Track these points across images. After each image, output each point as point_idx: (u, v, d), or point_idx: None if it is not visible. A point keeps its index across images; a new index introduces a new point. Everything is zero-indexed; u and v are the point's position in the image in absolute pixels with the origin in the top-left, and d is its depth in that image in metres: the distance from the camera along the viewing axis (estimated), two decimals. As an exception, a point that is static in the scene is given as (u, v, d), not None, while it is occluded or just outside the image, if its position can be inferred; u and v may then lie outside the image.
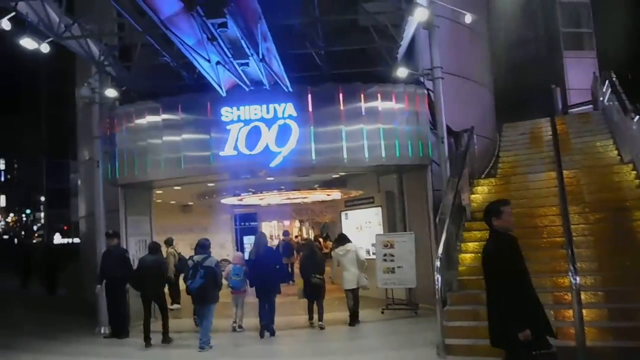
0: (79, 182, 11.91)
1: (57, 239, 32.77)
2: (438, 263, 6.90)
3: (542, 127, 13.87)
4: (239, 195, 14.08)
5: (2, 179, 74.22)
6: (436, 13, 9.76)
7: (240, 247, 22.44)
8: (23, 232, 60.89)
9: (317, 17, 8.21)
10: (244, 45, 6.93)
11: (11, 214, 73.60)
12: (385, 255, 10.40)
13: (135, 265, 8.79)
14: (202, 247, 7.88)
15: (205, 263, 7.52)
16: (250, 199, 15.59)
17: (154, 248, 8.67)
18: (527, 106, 16.50)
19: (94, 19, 8.69)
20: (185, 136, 9.60)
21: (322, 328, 8.99)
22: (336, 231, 23.38)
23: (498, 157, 13.08)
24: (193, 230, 17.83)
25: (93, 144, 9.87)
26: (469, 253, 8.54)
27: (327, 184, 13.17)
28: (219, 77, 8.68)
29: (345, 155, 9.63)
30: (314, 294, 9.18)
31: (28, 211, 72.64)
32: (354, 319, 9.32)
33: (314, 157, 9.50)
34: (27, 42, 6.86)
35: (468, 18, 9.32)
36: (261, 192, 13.39)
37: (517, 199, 9.34)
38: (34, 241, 35.19)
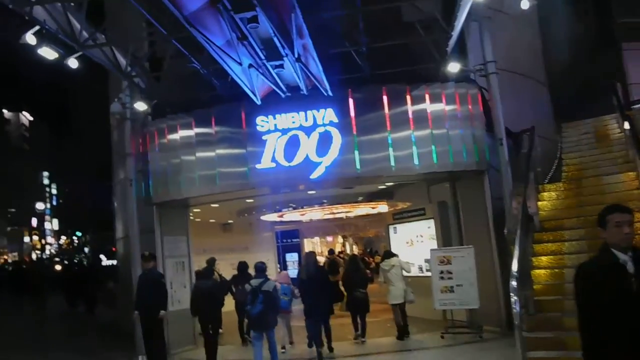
0: (115, 202, 11.47)
1: (103, 260, 33.10)
2: (514, 282, 5.84)
3: (608, 125, 12.55)
4: (279, 211, 13.35)
5: (55, 203, 76.93)
6: (487, 5, 8.84)
7: (282, 265, 21.77)
8: (63, 256, 62.62)
9: (359, 7, 7.39)
10: (278, 44, 6.22)
11: (63, 237, 76.07)
12: (442, 272, 9.37)
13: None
14: (259, 270, 7.67)
15: (264, 287, 7.31)
16: (291, 215, 14.86)
17: (208, 273, 8.80)
18: (585, 104, 15.15)
19: (121, 28, 8.23)
20: (220, 151, 8.97)
21: (363, 342, 9.05)
22: (380, 246, 22.59)
23: (561, 159, 11.86)
24: (234, 249, 17.25)
25: (125, 162, 9.38)
26: (543, 269, 7.43)
27: (373, 196, 12.26)
28: (253, 83, 8.03)
29: (392, 163, 8.74)
30: (357, 308, 9.14)
31: (79, 234, 74.93)
32: (402, 334, 9.18)
33: (358, 166, 8.66)
34: (47, 52, 6.40)
35: (525, 3, 8.30)
36: (302, 207, 12.61)
37: (593, 204, 8.18)
38: (77, 264, 35.85)
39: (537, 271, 7.44)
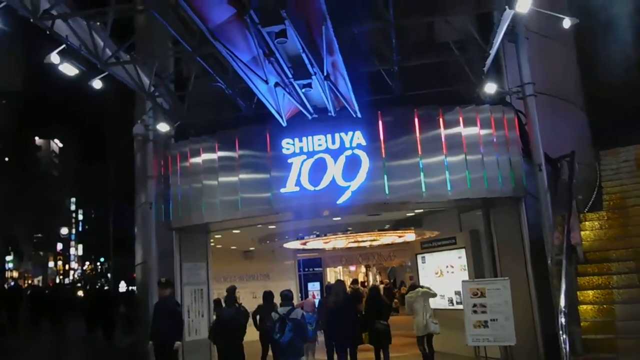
0: (136, 227, 11.24)
1: (122, 286, 32.92)
2: (563, 319, 5.27)
3: (650, 153, 11.93)
4: (302, 238, 12.94)
5: (80, 228, 77.92)
6: (525, 24, 8.51)
7: (304, 294, 21.18)
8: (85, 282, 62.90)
9: (392, 22, 7.08)
10: (307, 60, 5.93)
11: (87, 262, 76.69)
12: (475, 305, 8.75)
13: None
14: (287, 298, 7.52)
15: (291, 315, 7.17)
16: (314, 243, 14.43)
17: (231, 301, 8.49)
18: (622, 130, 14.50)
19: (146, 47, 8.12)
20: (243, 175, 8.67)
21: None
22: (405, 276, 21.79)
23: (600, 187, 11.23)
24: (255, 277, 16.84)
25: (147, 184, 9.16)
26: (590, 304, 6.84)
27: (400, 224, 11.77)
28: (279, 103, 7.75)
29: (423, 189, 8.30)
30: (379, 340, 8.76)
31: (102, 259, 75.46)
32: None
33: (387, 192, 8.24)
34: (67, 68, 6.26)
35: (567, 22, 7.91)
36: (326, 235, 12.17)
37: (641, 235, 7.61)
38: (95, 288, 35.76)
39: (584, 307, 6.84)
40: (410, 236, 13.21)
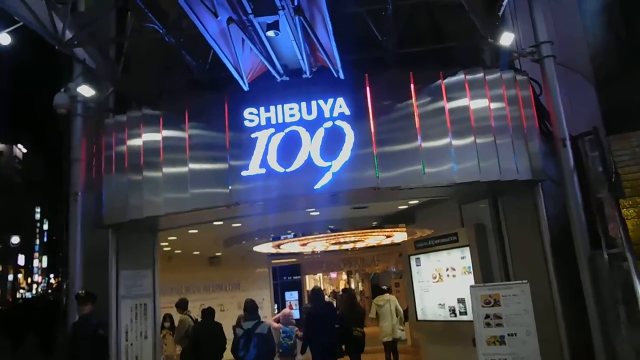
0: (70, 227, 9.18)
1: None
2: None
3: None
4: (276, 239, 11.07)
5: (45, 239, 74.11)
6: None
7: (281, 304, 19.39)
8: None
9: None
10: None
11: (51, 275, 72.90)
12: (487, 317, 7.01)
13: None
14: (251, 311, 7.24)
15: (257, 330, 6.88)
16: (290, 246, 12.58)
17: (210, 313, 8.24)
18: (633, 115, 13.07)
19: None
20: (195, 153, 6.78)
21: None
22: (388, 283, 20.18)
23: (617, 173, 9.69)
24: (223, 287, 14.91)
25: (72, 169, 7.19)
26: None
27: (389, 220, 10.01)
28: (237, 57, 5.92)
29: (423, 171, 6.54)
30: (355, 347, 8.64)
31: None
32: None
33: (378, 172, 6.45)
34: None
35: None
36: (303, 235, 10.34)
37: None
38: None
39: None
40: (399, 236, 11.48)
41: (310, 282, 22.65)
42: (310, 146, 6.51)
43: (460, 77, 6.86)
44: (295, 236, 10.53)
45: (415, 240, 9.60)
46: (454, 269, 8.84)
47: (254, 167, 6.51)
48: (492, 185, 7.45)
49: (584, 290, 6.62)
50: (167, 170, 6.82)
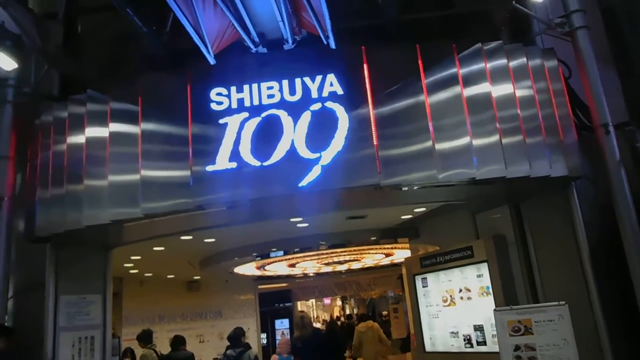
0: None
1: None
2: None
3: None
4: (259, 258, 9.61)
5: None
6: None
7: (271, 334, 17.81)
8: None
9: None
10: None
11: None
12: (517, 349, 5.64)
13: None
14: (236, 339, 6.96)
15: (242, 358, 6.66)
16: (276, 267, 11.11)
17: (179, 341, 7.84)
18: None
19: None
20: (148, 145, 5.39)
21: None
22: (385, 309, 18.66)
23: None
24: (203, 315, 13.36)
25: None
26: None
27: (390, 234, 8.61)
28: (200, 20, 4.62)
29: (437, 165, 5.19)
30: None
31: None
32: None
33: (378, 166, 5.09)
34: None
35: None
36: (288, 253, 8.90)
37: None
38: None
39: None
40: (401, 254, 10.07)
41: (303, 309, 21.11)
42: (294, 134, 5.16)
43: (478, 52, 5.58)
44: (280, 254, 9.08)
45: (421, 257, 8.18)
46: (468, 290, 7.41)
47: (222, 161, 5.13)
48: (513, 188, 6.16)
49: (642, 312, 5.24)
50: (114, 167, 5.41)
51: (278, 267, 11.17)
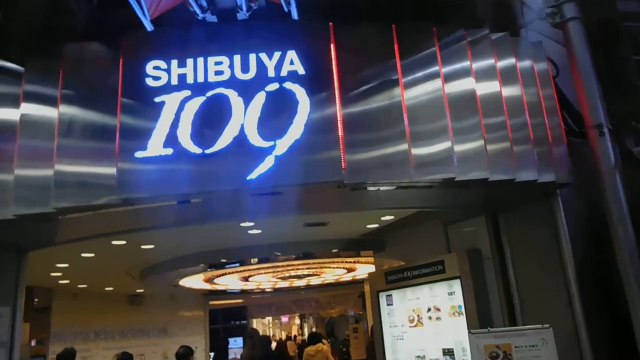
0: None
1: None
2: None
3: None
4: (210, 269, 8.62)
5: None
6: None
7: (223, 355, 16.74)
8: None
9: None
10: None
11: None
12: (495, 377, 4.93)
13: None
14: (183, 357, 6.27)
15: None
16: (227, 280, 10.12)
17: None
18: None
19: None
20: (66, 126, 4.42)
21: None
22: (345, 328, 17.83)
23: None
24: (146, 332, 12.17)
25: None
26: None
27: (353, 246, 7.82)
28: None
29: (410, 162, 4.44)
30: None
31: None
32: None
33: (343, 160, 4.30)
34: None
35: None
36: (240, 265, 7.97)
37: None
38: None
39: None
40: (364, 269, 9.30)
41: (259, 327, 20.05)
42: (245, 118, 4.32)
43: (460, 37, 4.93)
44: (228, 266, 8.12)
45: (386, 272, 7.41)
46: (438, 309, 6.67)
47: (155, 146, 4.23)
48: (493, 194, 5.52)
49: (636, 337, 4.61)
50: (22, 151, 4.41)
51: (229, 280, 10.18)
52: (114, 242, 6.18)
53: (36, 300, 10.32)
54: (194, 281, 9.77)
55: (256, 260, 7.97)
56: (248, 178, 4.17)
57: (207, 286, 10.88)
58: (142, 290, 11.31)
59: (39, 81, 4.60)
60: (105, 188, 4.23)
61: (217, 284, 10.48)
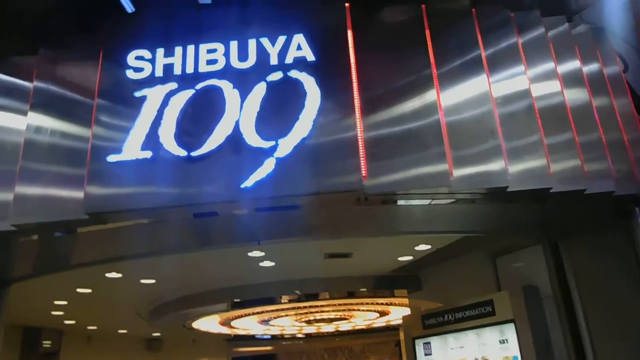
0: None
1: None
2: None
3: None
4: (221, 310, 7.70)
5: None
6: None
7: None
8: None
9: None
10: None
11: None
12: None
13: None
14: None
15: None
16: (246, 323, 9.13)
17: None
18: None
19: None
20: (34, 124, 3.74)
21: None
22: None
23: None
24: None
25: None
26: None
27: (385, 284, 6.76)
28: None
29: (449, 168, 3.49)
30: None
31: None
32: None
33: (363, 163, 3.40)
34: None
35: None
36: (254, 305, 7.02)
37: None
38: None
39: None
40: (398, 313, 8.16)
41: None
42: (241, 113, 3.52)
43: (506, 20, 4.06)
44: (242, 305, 7.17)
45: (424, 315, 6.28)
46: (488, 360, 5.49)
47: (131, 149, 3.46)
48: (550, 214, 4.47)
49: None
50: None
51: (248, 323, 9.19)
52: (108, 275, 5.40)
53: (47, 343, 9.60)
54: (210, 324, 8.84)
55: (264, 299, 6.94)
56: (242, 186, 3.32)
57: (226, 330, 9.90)
58: (159, 334, 10.46)
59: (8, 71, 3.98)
60: (73, 202, 3.46)
61: (236, 327, 9.50)
